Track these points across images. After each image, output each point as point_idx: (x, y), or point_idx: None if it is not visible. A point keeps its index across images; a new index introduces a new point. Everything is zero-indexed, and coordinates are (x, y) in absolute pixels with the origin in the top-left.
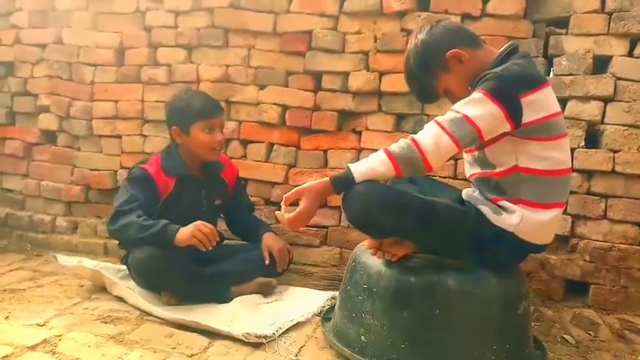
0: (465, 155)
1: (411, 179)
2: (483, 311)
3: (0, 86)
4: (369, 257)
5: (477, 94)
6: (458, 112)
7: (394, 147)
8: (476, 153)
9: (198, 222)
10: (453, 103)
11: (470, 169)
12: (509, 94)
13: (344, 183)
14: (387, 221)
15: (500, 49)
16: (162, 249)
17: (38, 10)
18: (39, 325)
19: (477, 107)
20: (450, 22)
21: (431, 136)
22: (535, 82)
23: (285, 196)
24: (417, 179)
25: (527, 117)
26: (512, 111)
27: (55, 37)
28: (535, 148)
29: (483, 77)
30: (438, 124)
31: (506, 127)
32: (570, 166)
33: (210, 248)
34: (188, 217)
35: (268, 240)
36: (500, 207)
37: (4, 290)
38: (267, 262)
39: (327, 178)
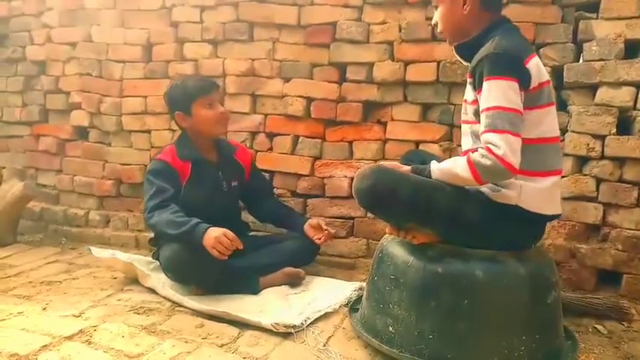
0: (462, 127)
1: (425, 162)
2: (512, 301)
3: (33, 85)
4: (395, 248)
5: (486, 85)
6: (489, 109)
7: (476, 156)
8: (475, 125)
9: (221, 232)
10: (433, 22)
11: (465, 143)
12: (512, 65)
13: (420, 173)
14: (394, 204)
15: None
16: (191, 246)
17: (68, 9)
18: (75, 316)
19: (497, 93)
20: None
21: (499, 140)
22: (528, 49)
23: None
24: (425, 160)
25: (532, 83)
26: (522, 78)
27: (85, 36)
28: (528, 117)
29: (479, 63)
30: (492, 130)
31: (522, 96)
32: (559, 134)
33: (225, 258)
34: (210, 200)
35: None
36: (497, 184)
37: (42, 282)
38: (320, 242)
39: (410, 167)
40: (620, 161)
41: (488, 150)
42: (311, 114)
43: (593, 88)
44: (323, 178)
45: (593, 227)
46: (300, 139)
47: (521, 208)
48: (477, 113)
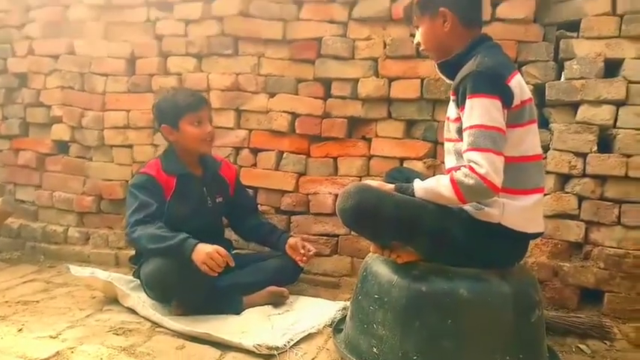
0: (445, 144)
1: (408, 180)
2: (496, 320)
3: (14, 98)
4: (379, 266)
5: (469, 103)
6: (472, 127)
7: (459, 175)
8: (458, 144)
9: (213, 249)
10: (415, 41)
11: (448, 162)
12: (495, 83)
13: (404, 192)
14: (378, 224)
15: (471, 41)
16: (177, 261)
17: (51, 22)
18: (52, 337)
19: (479, 112)
20: None
21: (481, 158)
22: (510, 67)
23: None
24: (409, 178)
25: (515, 101)
26: (505, 96)
27: (68, 48)
28: (510, 135)
29: (462, 81)
30: (475, 149)
31: (505, 115)
32: (541, 152)
33: (215, 274)
34: (194, 216)
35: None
36: (480, 202)
37: (18, 302)
38: (302, 264)
39: (393, 186)
40: (601, 179)
41: (471, 169)
42: (296, 129)
43: (574, 106)
44: (307, 194)
45: (575, 245)
46: (285, 154)
47: (504, 227)
48: (459, 131)
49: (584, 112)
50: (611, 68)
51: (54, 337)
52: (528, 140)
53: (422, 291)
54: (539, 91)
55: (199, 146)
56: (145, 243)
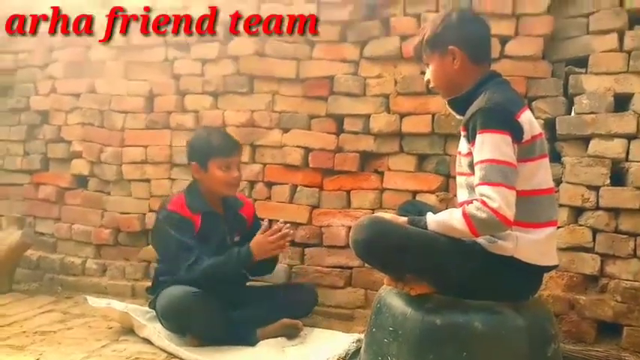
0: (457, 178)
1: (421, 214)
2: (511, 353)
3: (36, 134)
4: (393, 299)
5: (479, 138)
6: (483, 161)
7: (472, 208)
8: (470, 177)
9: (261, 237)
10: (425, 79)
11: (461, 195)
12: (504, 118)
13: (417, 225)
14: (391, 256)
15: (480, 78)
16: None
17: (73, 62)
18: None
19: (490, 147)
20: (481, 27)
21: (493, 192)
22: (519, 103)
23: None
24: (422, 211)
25: (525, 136)
26: (515, 132)
27: (89, 87)
28: (522, 169)
29: (472, 117)
30: (487, 183)
31: (515, 149)
32: (553, 185)
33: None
34: (215, 253)
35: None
36: (493, 235)
37: (35, 332)
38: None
39: (406, 218)
40: (615, 212)
41: (483, 203)
42: (309, 164)
43: (585, 140)
44: (321, 227)
45: (591, 278)
46: (299, 188)
47: (518, 260)
48: (471, 165)
49: (595, 146)
50: (621, 102)
51: None
52: (540, 174)
53: (436, 324)
54: (550, 125)
55: (224, 190)
56: (209, 276)
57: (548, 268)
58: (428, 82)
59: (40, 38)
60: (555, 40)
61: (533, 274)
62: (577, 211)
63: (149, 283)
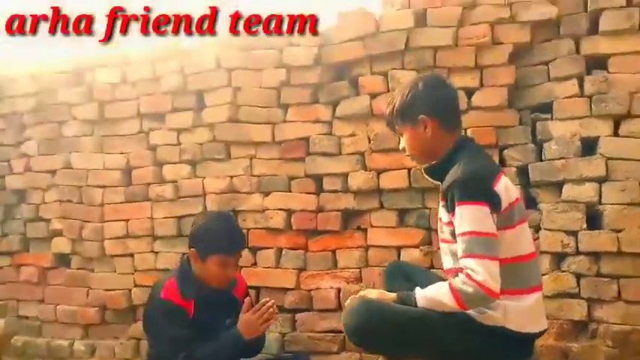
0: (441, 245)
1: (407, 275)
2: None
3: (13, 214)
4: None
5: (458, 211)
6: (464, 233)
7: (458, 282)
8: (453, 245)
9: (246, 316)
10: (400, 147)
11: (445, 262)
12: (481, 189)
13: (406, 302)
14: (384, 340)
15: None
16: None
17: (47, 139)
18: None
19: (469, 219)
20: (448, 92)
21: (477, 265)
22: (495, 171)
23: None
24: (413, 274)
25: (503, 204)
26: (492, 202)
27: (64, 163)
28: (503, 238)
29: (449, 188)
30: (470, 256)
31: (494, 219)
32: (534, 250)
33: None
34: (208, 337)
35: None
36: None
37: None
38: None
39: (395, 295)
40: (595, 256)
41: (468, 276)
42: (292, 226)
43: (559, 185)
44: (310, 290)
45: (580, 324)
46: (284, 251)
47: (509, 329)
48: (453, 234)
49: (568, 191)
50: (588, 146)
51: None
52: (521, 240)
53: None
54: (522, 172)
55: (215, 285)
56: None
57: (539, 334)
58: (403, 150)
59: (10, 118)
60: (519, 88)
61: (525, 342)
62: (559, 257)
63: None
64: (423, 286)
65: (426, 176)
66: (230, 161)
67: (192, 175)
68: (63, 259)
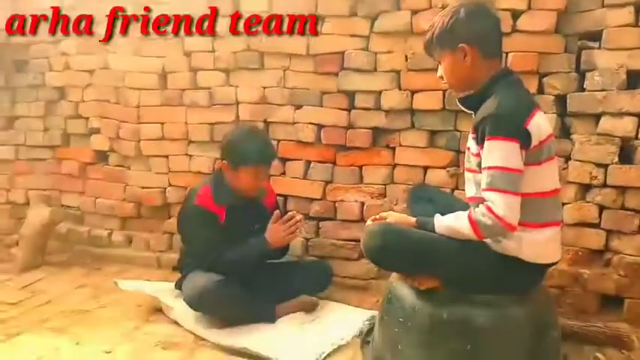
0: (466, 174)
1: (430, 199)
2: (513, 344)
3: (54, 110)
4: (403, 290)
5: (488, 144)
6: (491, 167)
7: (478, 214)
8: (478, 175)
9: (273, 227)
10: (438, 75)
11: (468, 190)
12: (513, 126)
13: (425, 227)
14: (401, 261)
15: (493, 74)
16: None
17: (84, 39)
18: (106, 352)
19: (498, 154)
20: (490, 21)
21: (499, 199)
22: (530, 107)
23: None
24: (436, 198)
25: (533, 142)
26: (523, 139)
27: (102, 63)
28: (528, 173)
29: (482, 121)
30: (493, 189)
31: (523, 155)
32: (559, 186)
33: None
34: (237, 242)
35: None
36: None
37: (72, 311)
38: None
39: (415, 219)
40: (622, 189)
41: (489, 209)
42: (322, 140)
43: (596, 117)
44: (334, 202)
45: (596, 253)
46: (312, 164)
47: (522, 259)
48: (479, 165)
49: (605, 124)
50: (634, 79)
51: (108, 352)
52: (546, 177)
53: (443, 317)
54: (561, 101)
55: (247, 193)
56: (231, 269)
57: (551, 265)
58: (441, 77)
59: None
60: (569, 13)
61: (536, 270)
62: (585, 188)
63: (174, 255)
64: (445, 210)
65: (460, 106)
66: (264, 71)
67: (226, 83)
68: (102, 156)
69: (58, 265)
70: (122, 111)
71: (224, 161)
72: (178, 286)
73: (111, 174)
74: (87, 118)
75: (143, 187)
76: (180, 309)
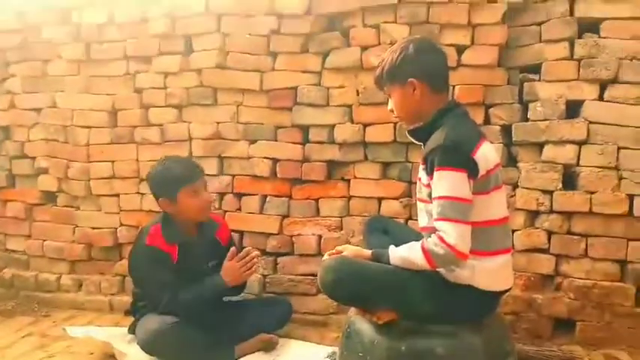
0: (418, 204)
1: (385, 230)
2: None
3: None
4: (362, 324)
5: (437, 175)
6: (441, 197)
7: (430, 244)
8: (429, 205)
9: (229, 264)
10: (388, 108)
11: (421, 220)
12: (460, 157)
13: (380, 259)
14: (357, 295)
15: (441, 107)
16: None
17: (31, 76)
18: None
19: (447, 184)
20: (438, 56)
21: (450, 228)
22: (476, 138)
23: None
24: (391, 229)
25: (480, 171)
26: (470, 169)
27: (50, 102)
28: (477, 202)
29: (431, 152)
30: (444, 219)
31: (471, 185)
32: (507, 214)
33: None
34: (193, 279)
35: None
36: None
37: None
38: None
39: (370, 252)
40: (567, 215)
41: (441, 238)
42: (277, 174)
43: (540, 146)
44: (291, 236)
45: (547, 277)
46: (268, 198)
47: (475, 287)
48: (430, 196)
49: (548, 152)
50: (573, 109)
51: None
52: (494, 206)
53: (401, 350)
54: (506, 131)
55: (198, 216)
56: (186, 310)
57: (505, 292)
58: (392, 111)
59: None
60: (510, 48)
61: (490, 298)
62: (533, 215)
63: (126, 297)
64: (400, 241)
65: (410, 138)
66: (217, 107)
67: (179, 119)
68: (49, 196)
69: (2, 314)
70: (71, 150)
71: (160, 199)
72: (132, 330)
73: (59, 215)
74: (33, 158)
75: (93, 228)
76: (134, 355)
